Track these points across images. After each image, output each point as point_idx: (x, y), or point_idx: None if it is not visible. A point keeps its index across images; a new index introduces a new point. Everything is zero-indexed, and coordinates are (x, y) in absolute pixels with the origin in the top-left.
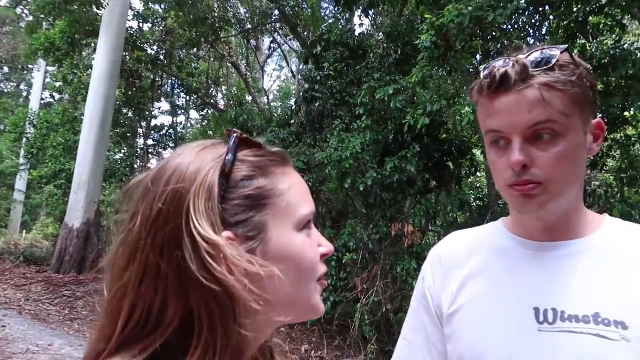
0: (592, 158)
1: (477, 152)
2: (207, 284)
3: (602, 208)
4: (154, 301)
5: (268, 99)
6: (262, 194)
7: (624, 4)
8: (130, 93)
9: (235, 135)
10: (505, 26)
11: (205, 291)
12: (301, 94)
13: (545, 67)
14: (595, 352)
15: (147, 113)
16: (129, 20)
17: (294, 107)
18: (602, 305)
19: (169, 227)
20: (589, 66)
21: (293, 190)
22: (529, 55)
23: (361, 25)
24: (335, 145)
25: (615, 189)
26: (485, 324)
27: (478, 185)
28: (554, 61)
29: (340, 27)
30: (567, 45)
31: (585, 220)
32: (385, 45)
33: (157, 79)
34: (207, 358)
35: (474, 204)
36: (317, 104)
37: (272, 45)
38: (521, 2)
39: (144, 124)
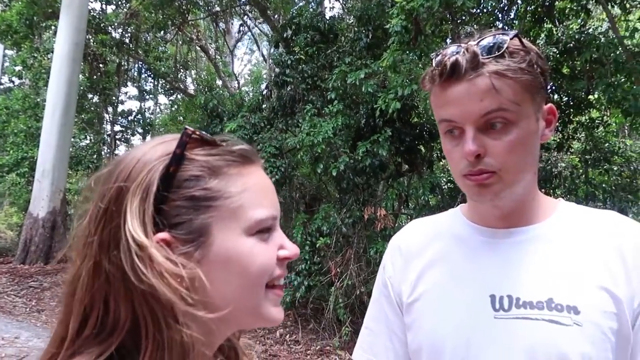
0: (557, 140)
1: None
2: (137, 284)
3: (567, 189)
4: (108, 303)
5: (238, 83)
6: (207, 196)
7: None
8: (94, 77)
9: (186, 132)
10: (474, 10)
11: (140, 292)
12: (272, 78)
13: (496, 54)
14: (549, 338)
15: (114, 98)
16: (91, 2)
17: (265, 92)
18: (555, 290)
19: (110, 226)
20: (539, 51)
21: (248, 193)
22: (479, 41)
23: (332, 8)
24: (307, 130)
25: (580, 170)
26: (443, 312)
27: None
28: (504, 47)
29: (311, 10)
30: (516, 31)
31: (540, 206)
32: (356, 28)
33: (123, 63)
34: (158, 356)
35: (445, 187)
36: (288, 89)
37: (241, 28)
38: None
39: (110, 109)
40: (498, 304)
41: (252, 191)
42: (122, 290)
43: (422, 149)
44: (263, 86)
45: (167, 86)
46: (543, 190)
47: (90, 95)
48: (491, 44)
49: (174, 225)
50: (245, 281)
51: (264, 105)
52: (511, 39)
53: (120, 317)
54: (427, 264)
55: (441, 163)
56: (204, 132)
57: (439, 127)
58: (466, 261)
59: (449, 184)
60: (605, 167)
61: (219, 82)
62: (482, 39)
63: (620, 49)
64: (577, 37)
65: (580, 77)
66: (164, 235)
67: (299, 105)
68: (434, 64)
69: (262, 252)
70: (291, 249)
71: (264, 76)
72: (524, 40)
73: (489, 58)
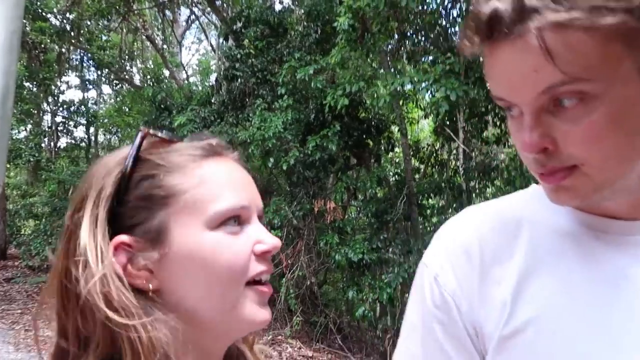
0: (496, 135)
1: (395, 129)
2: (81, 291)
3: (506, 180)
4: (76, 319)
5: (187, 75)
6: (161, 193)
7: None
8: (33, 66)
9: (139, 133)
10: (418, 8)
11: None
12: (222, 71)
13: None
14: None
15: (54, 88)
16: None
17: (214, 85)
18: None
19: (74, 235)
20: None
21: (206, 185)
22: None
23: (281, 2)
24: (258, 124)
25: (518, 162)
26: (576, 351)
27: (397, 160)
28: None
29: (260, 2)
30: None
31: None
32: (305, 24)
33: (64, 52)
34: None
35: (393, 179)
36: (238, 82)
37: (190, 17)
38: None
39: (50, 99)
40: None
41: (212, 183)
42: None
43: (370, 143)
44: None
45: (112, 76)
46: (482, 182)
47: (27, 84)
48: None
49: (132, 227)
50: (214, 278)
51: (213, 99)
52: None
53: (88, 328)
54: (522, 272)
55: (389, 155)
56: (161, 131)
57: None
58: (585, 268)
59: (395, 176)
60: None
61: (167, 73)
62: None
63: None
64: None
65: None
66: (122, 237)
67: (249, 99)
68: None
69: (229, 246)
70: (269, 242)
71: (213, 67)
72: None
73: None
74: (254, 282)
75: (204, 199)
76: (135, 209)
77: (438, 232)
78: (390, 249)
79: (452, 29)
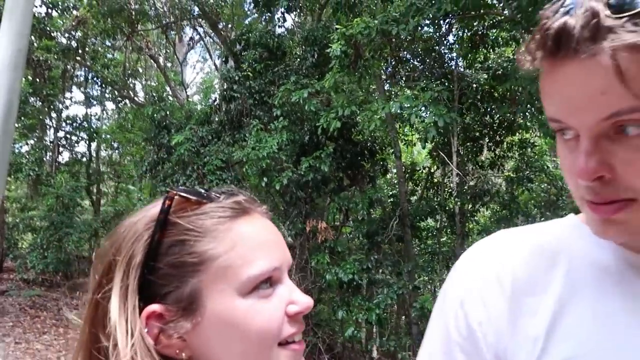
0: (490, 159)
1: (390, 151)
2: None
3: (502, 205)
4: None
5: (187, 94)
6: (193, 261)
7: (519, 20)
8: (37, 82)
9: (168, 195)
10: (411, 36)
11: None
12: (221, 92)
13: (632, 11)
14: None
15: (58, 104)
16: (37, 7)
17: (214, 104)
18: None
19: (103, 302)
20: None
21: (238, 249)
22: None
23: (280, 26)
24: (253, 144)
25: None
26: None
27: (396, 182)
28: None
29: (264, 23)
30: None
31: None
32: (303, 47)
33: (69, 69)
34: None
35: (389, 201)
36: (235, 103)
37: (192, 38)
38: (424, 19)
39: (53, 114)
40: None
41: (243, 246)
42: None
43: (365, 165)
44: (214, 96)
45: (115, 93)
46: (474, 206)
47: (32, 100)
48: None
49: (164, 295)
50: (247, 346)
51: (215, 118)
52: None
53: None
54: (558, 306)
55: (388, 176)
56: (188, 191)
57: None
58: (627, 308)
59: (391, 198)
60: (527, 186)
61: (169, 91)
62: None
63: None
64: (505, 65)
65: (505, 102)
66: (154, 307)
67: (246, 120)
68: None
69: (262, 311)
70: (302, 303)
71: (216, 85)
72: None
73: (620, 18)
74: (286, 342)
75: (236, 264)
76: (166, 276)
77: (464, 256)
78: (381, 270)
79: (449, 55)
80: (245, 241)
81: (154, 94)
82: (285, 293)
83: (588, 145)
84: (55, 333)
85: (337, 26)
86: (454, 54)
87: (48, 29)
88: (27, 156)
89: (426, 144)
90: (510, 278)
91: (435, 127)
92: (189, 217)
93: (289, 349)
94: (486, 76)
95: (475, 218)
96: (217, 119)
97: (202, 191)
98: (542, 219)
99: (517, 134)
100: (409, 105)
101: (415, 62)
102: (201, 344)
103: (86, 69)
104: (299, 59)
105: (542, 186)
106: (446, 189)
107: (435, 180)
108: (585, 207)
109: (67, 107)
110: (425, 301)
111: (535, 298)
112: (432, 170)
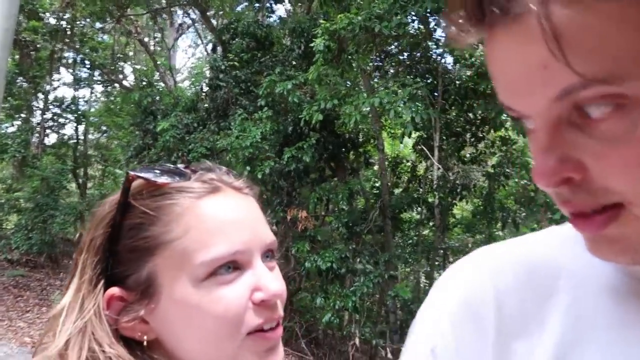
0: (472, 154)
1: (374, 142)
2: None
3: (485, 200)
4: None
5: (174, 80)
6: (147, 245)
7: None
8: (24, 63)
9: (127, 177)
10: (394, 32)
11: None
12: (207, 81)
13: None
14: None
15: (45, 86)
16: None
17: (202, 91)
18: None
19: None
20: None
21: (193, 232)
22: None
23: (269, 17)
24: (237, 133)
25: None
26: None
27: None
28: None
29: (253, 12)
30: None
31: None
32: (290, 39)
33: (57, 51)
34: None
35: (372, 192)
36: (222, 92)
37: (183, 23)
38: (407, 17)
39: (41, 96)
40: None
41: (200, 229)
42: None
43: (349, 156)
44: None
45: (104, 77)
46: (454, 200)
47: (18, 80)
48: None
49: (124, 279)
50: (206, 332)
51: (204, 105)
52: None
53: None
54: (560, 349)
55: (375, 168)
56: (147, 173)
57: None
58: None
59: (374, 190)
60: (503, 182)
61: (158, 76)
62: None
63: None
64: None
65: (488, 99)
66: (114, 290)
67: (232, 108)
68: None
69: (220, 299)
70: (267, 290)
71: (206, 72)
72: None
73: None
74: (259, 330)
75: (190, 248)
76: (125, 260)
77: (438, 284)
78: (359, 260)
79: (436, 50)
80: (204, 223)
81: (143, 79)
82: (250, 279)
83: (544, 137)
84: (38, 312)
85: (321, 22)
86: (441, 50)
87: (36, 9)
88: (13, 137)
89: (408, 138)
90: (493, 316)
91: (413, 123)
92: (145, 200)
93: (256, 337)
94: (469, 73)
95: (454, 212)
96: (203, 107)
97: (160, 171)
98: (524, 214)
99: (500, 131)
100: (388, 100)
101: (401, 57)
102: (162, 328)
103: (74, 51)
104: (285, 50)
105: (522, 183)
106: (428, 183)
107: (419, 173)
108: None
109: (54, 89)
110: (400, 290)
111: (528, 341)
112: (415, 164)
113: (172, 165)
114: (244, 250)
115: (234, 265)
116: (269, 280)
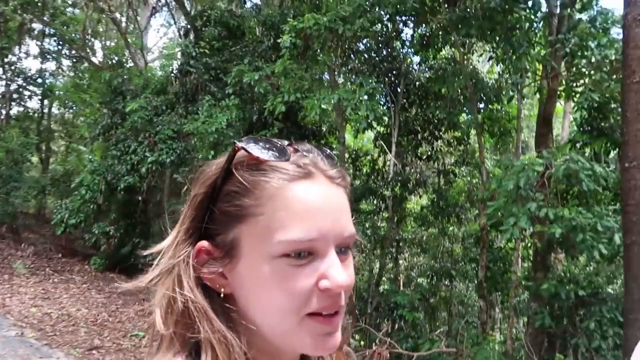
0: (428, 152)
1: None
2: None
3: (437, 193)
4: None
5: (145, 61)
6: (237, 213)
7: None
8: None
9: (234, 147)
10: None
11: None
12: (177, 66)
13: None
14: None
15: (11, 57)
16: None
17: (171, 75)
18: None
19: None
20: None
21: (279, 212)
22: None
23: (242, 7)
24: (204, 118)
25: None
26: None
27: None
28: None
29: (225, 4)
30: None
31: None
32: (261, 30)
33: (26, 23)
34: (213, 355)
35: None
36: (192, 77)
37: (157, 5)
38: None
39: (7, 67)
40: None
41: (286, 210)
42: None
43: None
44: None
45: (73, 52)
46: (406, 193)
47: None
48: None
49: (215, 236)
50: (272, 304)
51: (173, 89)
52: None
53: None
54: None
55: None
56: (252, 145)
57: None
58: None
59: None
60: (452, 179)
61: (128, 55)
62: None
63: (470, 81)
64: (444, 66)
65: (445, 101)
66: (203, 243)
67: (201, 94)
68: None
69: (290, 277)
70: (333, 280)
71: (178, 54)
72: None
73: None
74: (317, 314)
75: (273, 226)
76: (217, 220)
77: None
78: None
79: (402, 51)
80: (290, 206)
81: (113, 57)
82: (320, 266)
83: None
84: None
85: (288, 20)
86: (406, 50)
87: None
88: None
89: (362, 133)
90: None
91: (366, 120)
92: (244, 172)
93: (315, 320)
94: (428, 75)
95: (407, 205)
96: (172, 90)
97: (263, 146)
98: (476, 211)
99: (457, 132)
100: (346, 97)
101: (366, 56)
102: (237, 287)
103: (44, 24)
104: (256, 41)
105: (474, 181)
106: (385, 176)
107: (378, 167)
108: None
109: (19, 59)
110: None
111: None
112: (374, 158)
113: (277, 141)
114: (320, 239)
115: (308, 251)
116: (338, 272)
